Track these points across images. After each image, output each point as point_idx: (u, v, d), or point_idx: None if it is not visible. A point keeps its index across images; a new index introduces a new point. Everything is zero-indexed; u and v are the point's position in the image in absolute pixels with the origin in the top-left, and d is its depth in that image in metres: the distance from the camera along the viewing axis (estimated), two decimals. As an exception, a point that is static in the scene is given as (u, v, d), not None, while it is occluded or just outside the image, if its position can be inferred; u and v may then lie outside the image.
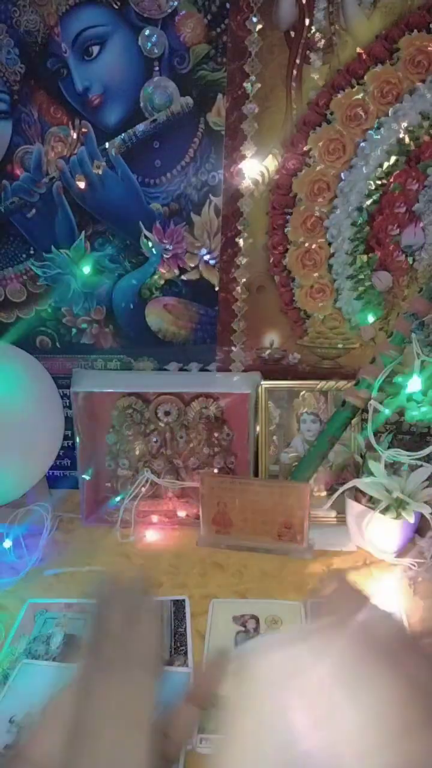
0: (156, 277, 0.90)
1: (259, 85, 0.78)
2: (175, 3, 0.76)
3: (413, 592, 0.75)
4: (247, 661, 0.35)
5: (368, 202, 0.82)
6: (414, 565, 0.78)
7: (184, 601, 0.74)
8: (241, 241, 0.87)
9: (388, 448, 0.82)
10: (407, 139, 0.79)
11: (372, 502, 0.81)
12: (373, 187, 0.81)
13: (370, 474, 0.81)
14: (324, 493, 0.92)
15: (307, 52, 0.77)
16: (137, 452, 0.94)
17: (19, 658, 0.64)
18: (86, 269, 0.90)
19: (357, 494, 0.84)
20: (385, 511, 0.79)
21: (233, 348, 0.93)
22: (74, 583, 0.77)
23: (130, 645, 0.40)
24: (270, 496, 0.82)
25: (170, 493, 0.95)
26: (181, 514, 0.92)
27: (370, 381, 0.83)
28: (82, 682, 0.37)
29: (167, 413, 0.93)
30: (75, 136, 0.83)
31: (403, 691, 0.30)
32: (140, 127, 0.81)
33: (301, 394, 0.91)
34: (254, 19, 0.76)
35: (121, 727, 0.34)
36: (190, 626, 0.70)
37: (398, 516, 0.78)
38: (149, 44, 0.78)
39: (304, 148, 0.81)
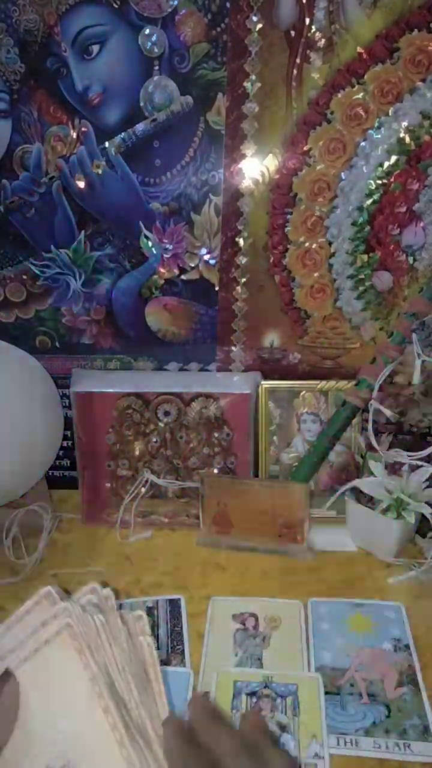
0: (156, 276, 0.89)
1: (259, 85, 0.78)
2: (175, 2, 0.76)
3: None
4: None
5: (369, 202, 0.82)
6: (414, 566, 0.78)
7: (179, 600, 0.74)
8: (241, 241, 0.86)
9: (389, 448, 0.82)
10: (408, 139, 0.79)
11: (372, 503, 0.81)
12: (374, 187, 0.81)
13: (371, 474, 0.81)
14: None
15: (308, 51, 0.77)
16: (137, 452, 0.94)
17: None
18: (86, 269, 0.89)
19: (357, 494, 0.84)
20: (385, 511, 0.79)
21: (233, 348, 0.93)
22: (74, 583, 0.77)
23: None
24: (270, 496, 0.82)
25: (170, 493, 0.94)
26: (181, 514, 0.92)
27: (371, 381, 0.83)
28: None
29: (167, 413, 0.93)
30: (75, 135, 0.83)
31: None
32: (140, 126, 0.81)
33: (301, 394, 0.91)
34: (254, 19, 0.76)
35: None
36: (186, 625, 0.70)
37: (398, 516, 0.78)
38: (149, 43, 0.77)
39: (305, 148, 0.80)
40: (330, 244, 0.85)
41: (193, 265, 0.88)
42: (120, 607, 0.72)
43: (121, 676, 0.42)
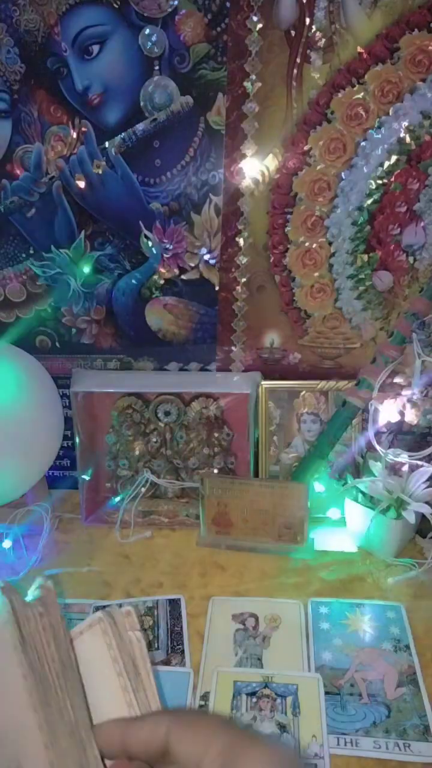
0: (156, 276, 0.89)
1: (259, 85, 0.78)
2: (175, 2, 0.76)
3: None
4: None
5: (369, 202, 0.82)
6: (414, 566, 0.77)
7: (179, 600, 0.74)
8: (241, 241, 0.86)
9: (388, 448, 0.82)
10: (408, 139, 0.79)
11: (372, 503, 0.81)
12: (374, 187, 0.81)
13: (371, 474, 0.81)
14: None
15: (308, 51, 0.77)
16: (137, 452, 0.94)
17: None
18: (86, 269, 0.89)
19: (357, 494, 0.84)
20: (385, 511, 0.79)
21: (233, 348, 0.93)
22: (74, 583, 0.77)
23: None
24: (270, 497, 0.82)
25: (170, 493, 0.94)
26: (181, 514, 0.92)
27: (371, 381, 0.83)
28: None
29: (167, 413, 0.93)
30: (75, 135, 0.83)
31: None
32: (140, 126, 0.81)
33: (301, 394, 0.91)
34: (254, 18, 0.76)
35: None
36: (186, 625, 0.70)
37: (398, 516, 0.78)
38: (149, 43, 0.78)
39: (305, 148, 0.80)
40: (330, 244, 0.85)
41: (193, 265, 0.88)
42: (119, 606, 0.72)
43: (55, 674, 0.39)
